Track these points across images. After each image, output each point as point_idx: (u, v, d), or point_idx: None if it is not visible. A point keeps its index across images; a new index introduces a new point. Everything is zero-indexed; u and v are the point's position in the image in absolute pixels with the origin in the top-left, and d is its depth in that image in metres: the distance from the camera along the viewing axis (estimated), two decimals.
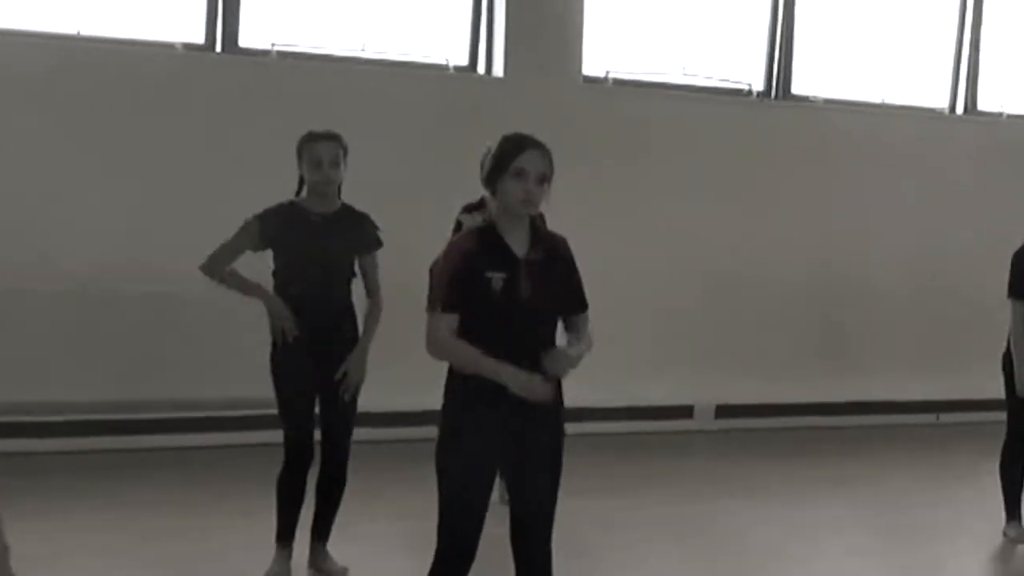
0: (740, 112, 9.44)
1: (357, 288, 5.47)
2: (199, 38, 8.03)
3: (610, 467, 7.65)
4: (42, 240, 7.46)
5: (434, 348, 3.82)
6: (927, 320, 9.75)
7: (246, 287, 5.36)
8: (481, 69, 8.78)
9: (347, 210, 5.43)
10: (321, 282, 5.30)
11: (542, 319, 3.88)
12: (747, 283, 9.31)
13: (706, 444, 8.84)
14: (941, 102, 10.28)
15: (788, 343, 9.42)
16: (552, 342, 3.92)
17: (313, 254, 5.26)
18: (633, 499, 7.12)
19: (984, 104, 10.36)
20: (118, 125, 7.61)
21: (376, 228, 5.48)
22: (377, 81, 8.32)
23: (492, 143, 4.04)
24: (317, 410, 5.41)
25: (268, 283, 5.35)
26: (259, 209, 5.35)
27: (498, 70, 8.68)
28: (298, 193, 5.41)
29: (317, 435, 5.41)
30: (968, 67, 10.26)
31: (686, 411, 9.18)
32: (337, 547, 5.55)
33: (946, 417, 9.75)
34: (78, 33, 7.79)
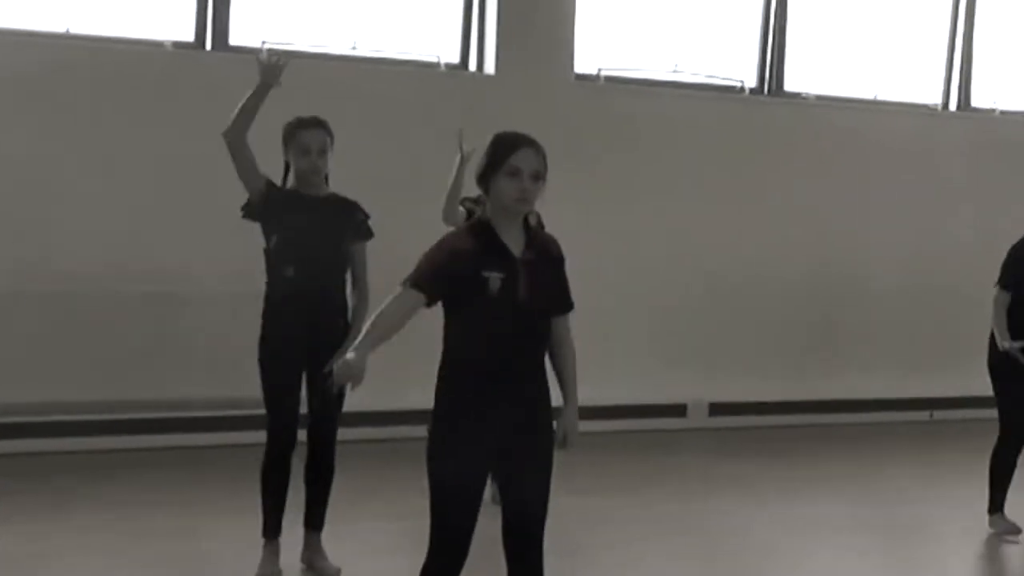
0: (732, 109, 9.43)
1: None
2: (189, 36, 8.01)
3: (604, 465, 7.62)
4: (33, 240, 7.43)
5: (378, 311, 3.77)
6: (920, 317, 9.75)
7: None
8: (473, 67, 8.77)
9: (337, 196, 5.42)
10: (316, 263, 5.25)
11: (539, 319, 3.85)
12: (740, 281, 9.30)
13: (700, 442, 8.82)
14: (934, 98, 10.29)
15: (782, 341, 9.41)
16: (545, 342, 3.90)
17: (308, 234, 5.22)
18: (627, 497, 7.11)
19: (977, 100, 10.37)
20: (108, 124, 7.59)
21: (367, 216, 5.45)
22: (369, 79, 8.30)
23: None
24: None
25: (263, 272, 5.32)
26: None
27: (489, 67, 8.67)
28: (284, 180, 5.37)
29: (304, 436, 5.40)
30: (961, 63, 10.26)
31: (680, 409, 9.18)
32: (330, 546, 5.52)
33: (940, 414, 9.76)
34: (67, 32, 7.76)
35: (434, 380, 3.88)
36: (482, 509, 3.89)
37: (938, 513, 7.06)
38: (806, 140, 9.51)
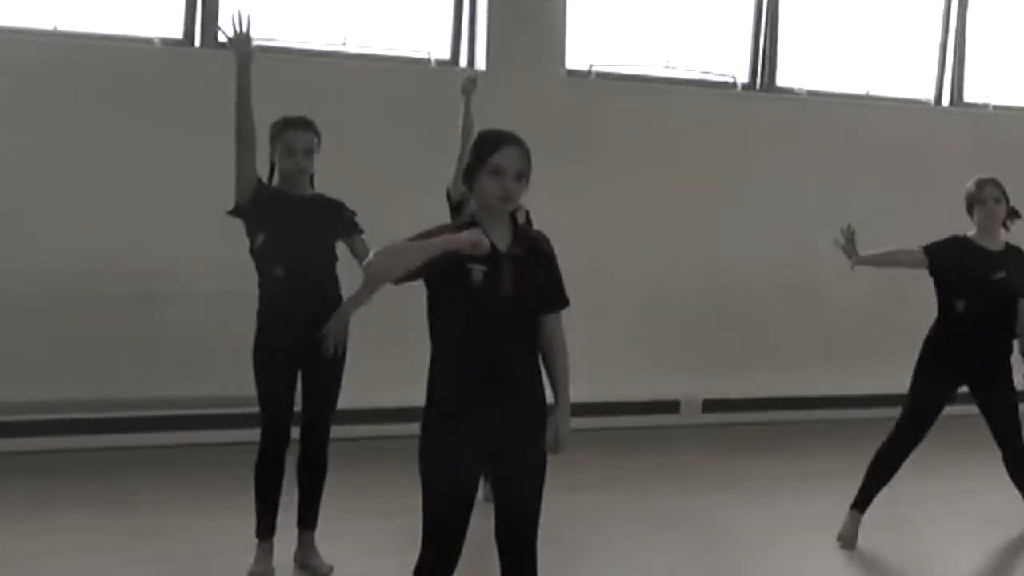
0: (724, 105, 9.41)
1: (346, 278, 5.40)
2: (178, 33, 7.97)
3: (597, 462, 7.61)
4: (20, 238, 7.39)
5: (378, 256, 3.66)
6: (913, 313, 9.69)
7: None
8: (463, 63, 8.73)
9: (322, 196, 5.39)
10: (305, 262, 5.23)
11: (524, 315, 3.82)
12: (733, 277, 9.29)
13: (693, 439, 8.81)
14: (927, 94, 10.28)
15: (775, 337, 9.40)
16: (535, 339, 3.87)
17: (296, 234, 5.19)
18: (620, 494, 7.10)
19: (970, 96, 10.36)
20: (96, 121, 7.54)
21: (353, 213, 5.43)
22: (359, 75, 8.26)
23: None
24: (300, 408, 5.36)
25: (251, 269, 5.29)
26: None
27: (480, 64, 8.63)
28: (269, 179, 5.35)
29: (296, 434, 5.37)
30: (954, 58, 10.26)
31: (673, 406, 9.16)
32: (323, 545, 5.52)
33: None
34: (55, 29, 7.71)
35: (425, 376, 3.86)
36: (476, 507, 3.87)
37: (933, 510, 7.05)
38: (798, 136, 9.49)
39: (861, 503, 6.30)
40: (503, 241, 3.80)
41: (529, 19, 8.64)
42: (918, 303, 9.73)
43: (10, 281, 7.33)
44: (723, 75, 9.56)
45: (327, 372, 5.33)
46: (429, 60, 8.64)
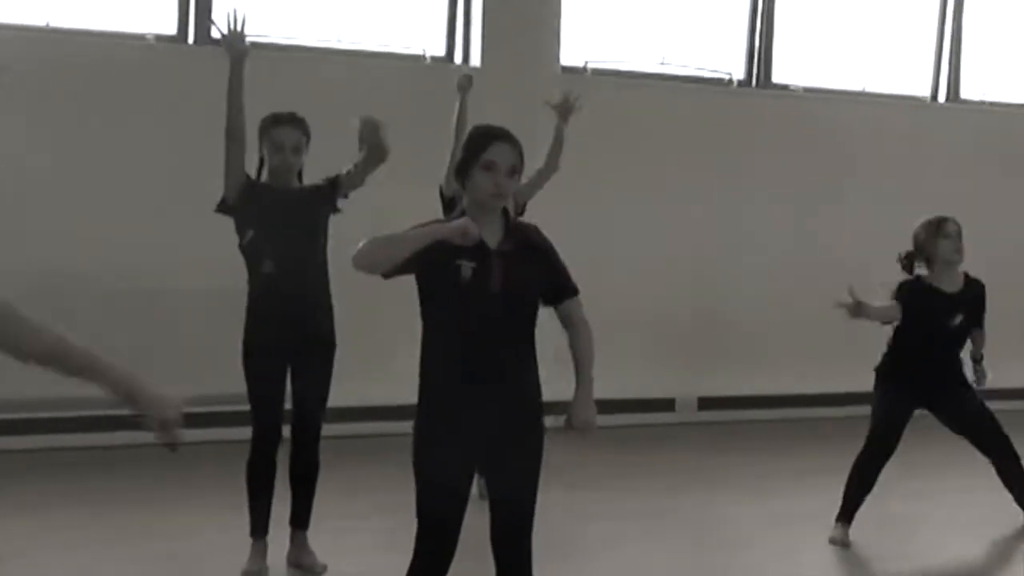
0: (720, 101, 9.40)
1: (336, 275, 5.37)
2: (171, 29, 7.94)
3: (592, 460, 7.59)
4: (10, 234, 7.35)
5: (366, 246, 3.63)
6: None
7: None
8: (458, 59, 8.71)
9: (306, 186, 5.39)
10: (294, 257, 5.21)
11: (516, 311, 3.79)
12: (728, 274, 9.27)
13: (688, 437, 8.81)
14: (923, 90, 10.26)
15: (770, 334, 9.38)
16: (529, 336, 3.84)
17: (283, 228, 5.17)
18: (615, 492, 7.09)
19: (967, 92, 10.34)
20: (89, 118, 7.52)
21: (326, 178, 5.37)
22: (353, 72, 8.23)
23: None
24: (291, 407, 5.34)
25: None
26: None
27: (475, 60, 8.62)
28: (258, 174, 5.33)
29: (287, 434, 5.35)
30: (950, 55, 10.24)
31: (668, 404, 9.16)
32: (317, 542, 5.51)
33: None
34: (47, 25, 7.68)
35: (418, 374, 3.83)
36: (470, 505, 3.86)
37: (928, 508, 7.03)
38: (794, 132, 9.47)
39: (846, 515, 6.32)
40: (494, 237, 3.78)
41: (524, 15, 8.62)
42: None
43: (1, 278, 7.29)
44: (719, 71, 9.54)
45: (317, 369, 5.31)
46: (424, 56, 8.62)
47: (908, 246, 6.38)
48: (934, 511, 6.98)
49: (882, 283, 6.35)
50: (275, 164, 5.23)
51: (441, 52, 8.70)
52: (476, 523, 3.91)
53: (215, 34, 5.25)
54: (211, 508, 6.30)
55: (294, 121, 5.26)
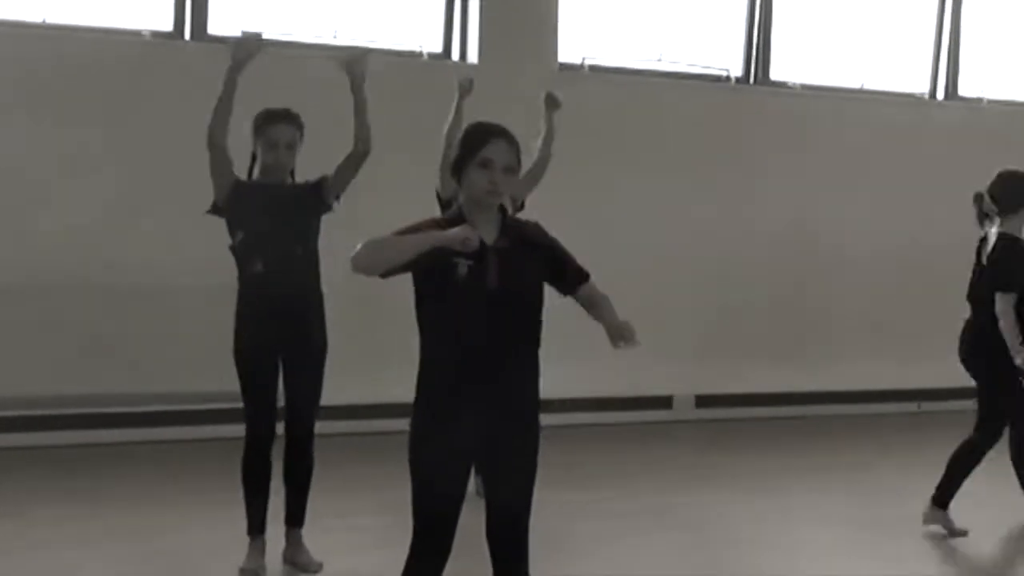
0: (718, 98, 9.39)
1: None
2: (168, 25, 7.92)
3: (589, 458, 7.60)
4: (6, 232, 7.34)
5: (365, 248, 3.60)
6: (907, 307, 9.71)
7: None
8: (456, 56, 8.69)
9: (295, 184, 5.37)
10: (284, 256, 5.19)
11: (514, 309, 3.77)
12: (726, 271, 9.26)
13: (686, 434, 8.81)
14: (921, 87, 10.25)
15: (768, 332, 9.37)
16: (529, 337, 3.82)
17: (274, 227, 5.16)
18: (612, 490, 7.07)
19: (965, 89, 10.34)
20: (85, 114, 7.49)
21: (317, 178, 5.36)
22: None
23: None
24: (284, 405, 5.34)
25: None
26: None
27: (473, 57, 8.60)
28: (251, 171, 5.32)
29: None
30: (948, 52, 10.23)
31: (666, 401, 9.16)
32: (312, 540, 5.50)
33: (927, 405, 9.76)
34: (43, 21, 7.67)
35: (416, 372, 3.82)
36: (467, 503, 3.84)
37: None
38: (792, 129, 9.46)
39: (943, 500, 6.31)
40: (490, 235, 3.76)
41: (521, 12, 8.61)
42: (913, 301, 9.77)
43: None
44: (717, 68, 9.53)
45: (309, 366, 5.30)
46: (421, 53, 8.60)
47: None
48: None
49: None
50: (268, 161, 5.22)
51: (438, 49, 8.68)
52: (473, 521, 3.89)
53: (232, 33, 5.24)
54: (208, 505, 6.26)
55: (288, 117, 5.24)
